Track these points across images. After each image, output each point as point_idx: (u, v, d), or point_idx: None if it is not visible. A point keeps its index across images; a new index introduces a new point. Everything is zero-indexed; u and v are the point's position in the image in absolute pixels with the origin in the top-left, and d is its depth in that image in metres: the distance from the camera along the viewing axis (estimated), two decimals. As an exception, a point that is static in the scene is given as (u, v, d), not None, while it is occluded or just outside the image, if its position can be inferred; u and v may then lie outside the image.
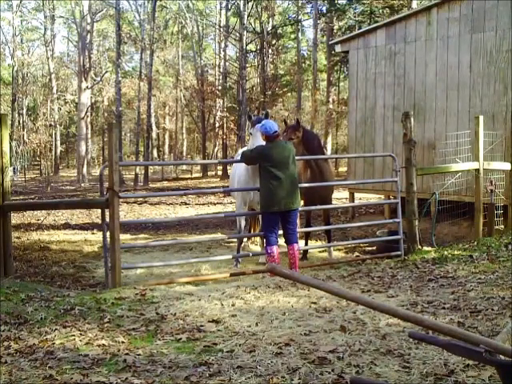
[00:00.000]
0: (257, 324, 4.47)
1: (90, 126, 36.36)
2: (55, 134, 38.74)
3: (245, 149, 8.09)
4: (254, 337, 4.16)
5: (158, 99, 37.01)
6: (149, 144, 30.52)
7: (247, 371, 3.50)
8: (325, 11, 28.16)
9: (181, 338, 4.17)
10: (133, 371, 3.58)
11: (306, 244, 8.79)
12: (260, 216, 7.38)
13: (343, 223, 12.01)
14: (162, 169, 34.80)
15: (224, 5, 32.86)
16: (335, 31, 28.92)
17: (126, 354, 3.87)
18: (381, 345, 3.90)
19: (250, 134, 7.80)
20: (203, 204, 17.21)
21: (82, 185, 28.89)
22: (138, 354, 3.87)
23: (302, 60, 33.29)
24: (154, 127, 32.84)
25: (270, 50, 31.15)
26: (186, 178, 31.40)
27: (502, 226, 9.54)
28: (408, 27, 11.76)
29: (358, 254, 9.08)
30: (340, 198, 15.90)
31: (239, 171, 8.16)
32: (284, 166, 6.65)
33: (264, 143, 6.83)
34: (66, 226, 13.10)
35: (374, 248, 9.33)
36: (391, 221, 9.35)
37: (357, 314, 4.62)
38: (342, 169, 29.20)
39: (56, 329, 4.39)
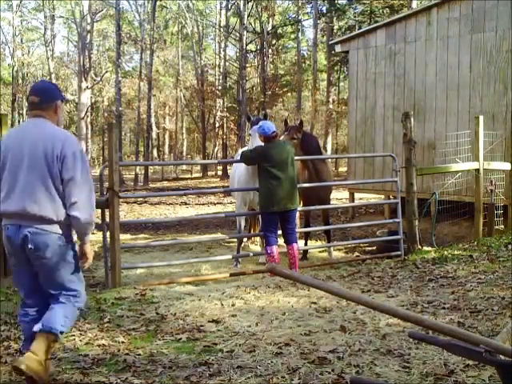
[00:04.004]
0: (257, 324, 4.47)
1: (89, 126, 36.29)
2: (55, 133, 38.65)
3: (245, 149, 8.09)
4: (254, 337, 4.16)
5: (158, 99, 36.97)
6: (149, 144, 30.51)
7: (247, 371, 3.50)
8: (325, 11, 28.15)
9: (181, 338, 4.17)
10: (133, 371, 3.58)
11: (306, 244, 8.79)
12: (260, 216, 7.39)
13: (343, 223, 12.01)
14: (162, 169, 34.79)
15: (224, 5, 32.86)
16: (335, 31, 28.91)
17: (126, 354, 3.88)
18: (381, 345, 3.90)
19: (250, 134, 7.81)
20: (203, 204, 17.20)
21: (82, 185, 28.84)
22: (138, 354, 3.87)
23: (302, 60, 33.24)
24: (154, 127, 32.80)
25: (270, 50, 31.15)
26: (186, 178, 31.39)
27: (502, 226, 9.53)
28: (408, 27, 11.76)
29: (358, 254, 9.08)
30: (340, 198, 15.89)
31: (239, 171, 8.16)
32: (283, 166, 6.65)
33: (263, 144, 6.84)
34: (66, 226, 13.07)
35: (374, 248, 9.33)
36: (391, 221, 9.35)
37: (357, 314, 4.62)
38: (342, 169, 29.19)
39: (56, 329, 4.38)
